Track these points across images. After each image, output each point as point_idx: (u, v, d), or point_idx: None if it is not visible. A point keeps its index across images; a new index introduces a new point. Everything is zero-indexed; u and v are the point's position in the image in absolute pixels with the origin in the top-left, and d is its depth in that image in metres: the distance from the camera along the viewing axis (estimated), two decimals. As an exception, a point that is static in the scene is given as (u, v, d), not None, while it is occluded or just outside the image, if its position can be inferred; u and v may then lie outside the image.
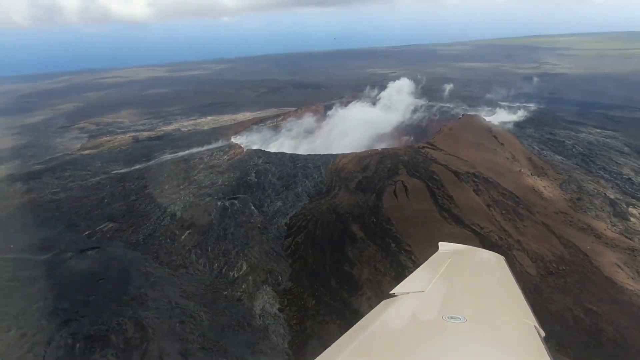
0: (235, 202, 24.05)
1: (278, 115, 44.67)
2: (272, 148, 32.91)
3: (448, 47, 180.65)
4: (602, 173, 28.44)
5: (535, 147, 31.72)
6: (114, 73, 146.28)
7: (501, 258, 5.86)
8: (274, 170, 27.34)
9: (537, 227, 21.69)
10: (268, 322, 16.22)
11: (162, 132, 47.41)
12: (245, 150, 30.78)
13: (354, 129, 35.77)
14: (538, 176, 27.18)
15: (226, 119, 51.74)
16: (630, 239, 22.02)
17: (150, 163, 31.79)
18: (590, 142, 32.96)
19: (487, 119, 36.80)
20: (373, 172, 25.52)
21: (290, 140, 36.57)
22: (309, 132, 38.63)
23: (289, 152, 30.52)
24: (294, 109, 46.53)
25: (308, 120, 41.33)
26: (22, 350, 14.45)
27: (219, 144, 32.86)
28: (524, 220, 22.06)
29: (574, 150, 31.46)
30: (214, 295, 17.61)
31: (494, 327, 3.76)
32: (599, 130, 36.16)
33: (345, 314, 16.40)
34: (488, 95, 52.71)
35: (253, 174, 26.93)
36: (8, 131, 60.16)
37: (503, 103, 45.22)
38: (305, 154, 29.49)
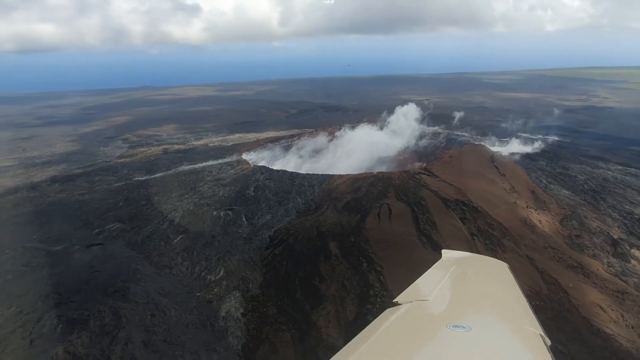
0: (230, 212, 25.81)
1: (294, 135, 46.77)
2: (277, 165, 34.67)
3: (495, 76, 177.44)
4: (611, 211, 27.12)
5: (543, 180, 30.86)
6: (168, 91, 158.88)
7: (505, 265, 5.84)
8: (271, 186, 28.97)
9: (520, 260, 21.29)
10: (229, 324, 17.37)
11: (191, 146, 51.17)
12: (251, 166, 32.84)
13: (358, 150, 36.75)
14: (537, 210, 26.51)
15: (251, 137, 54.79)
16: (624, 281, 20.99)
17: (167, 173, 34.72)
18: (605, 178, 31.47)
19: (498, 149, 36.28)
20: (363, 194, 26.30)
21: (297, 158, 38.21)
22: (317, 151, 40.06)
23: (291, 170, 32.12)
24: (311, 130, 48.52)
25: (319, 140, 42.90)
26: (15, 325, 16.67)
27: (230, 159, 35.26)
28: (506, 252, 21.74)
29: (585, 186, 30.23)
30: (188, 295, 19.12)
31: (499, 336, 3.72)
32: (620, 167, 34.37)
33: (301, 325, 17.18)
34: (511, 125, 51.63)
35: (252, 188, 28.72)
36: (66, 138, 67.63)
37: (523, 134, 44.18)
38: (304, 172, 30.92)
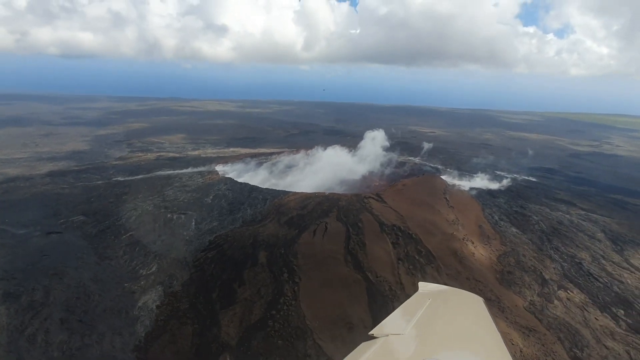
0: (182, 216, 27.82)
1: (276, 152, 48.98)
2: (245, 178, 36.65)
3: (513, 116, 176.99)
4: (552, 252, 27.49)
5: (496, 216, 31.49)
6: (191, 103, 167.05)
7: (480, 299, 5.90)
8: (229, 196, 30.92)
9: (437, 287, 22.06)
10: (142, 314, 19.00)
11: (184, 155, 54.16)
12: (219, 176, 34.99)
13: (323, 170, 38.28)
14: (476, 243, 27.22)
15: (243, 152, 57.46)
16: (538, 319, 21.46)
17: (145, 176, 37.35)
18: (560, 221, 31.77)
19: (462, 182, 37.11)
20: (308, 211, 27.80)
21: (268, 173, 40.11)
22: (289, 168, 41.85)
23: (256, 183, 34.03)
24: (293, 149, 50.68)
25: (293, 158, 44.79)
26: (-44, 292, 18.89)
27: (205, 168, 37.59)
28: (426, 277, 22.60)
29: (536, 226, 30.65)
30: (116, 284, 20.94)
31: None
32: (583, 212, 34.51)
33: (205, 322, 18.62)
34: (490, 162, 52.29)
35: (211, 197, 30.75)
36: (80, 138, 72.63)
37: (498, 172, 44.76)
38: (265, 187, 32.74)
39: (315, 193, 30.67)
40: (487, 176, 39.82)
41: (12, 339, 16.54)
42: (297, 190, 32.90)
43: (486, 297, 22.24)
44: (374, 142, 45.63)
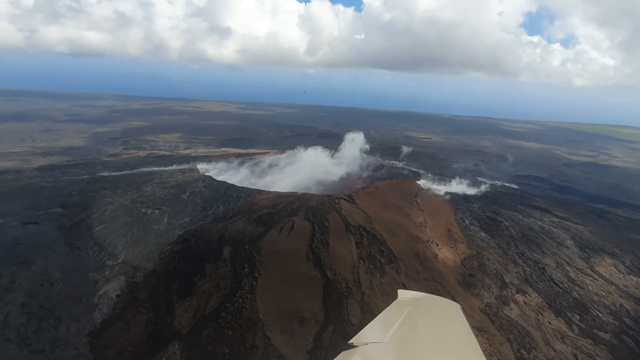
0: (156, 211, 28.61)
1: (261, 153, 49.79)
2: (224, 176, 37.41)
3: (515, 124, 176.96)
4: (517, 257, 27.92)
5: (467, 220, 31.97)
6: (194, 103, 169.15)
7: (458, 306, 6.08)
8: (205, 193, 31.70)
9: (393, 285, 22.61)
10: (101, 302, 19.75)
11: (174, 154, 55.18)
12: (199, 174, 35.82)
13: (301, 170, 38.93)
14: (442, 246, 27.73)
15: (234, 151, 58.39)
16: (492, 321, 21.92)
17: (129, 172, 38.28)
18: (531, 227, 32.17)
19: (439, 187, 37.61)
20: (278, 210, 28.47)
21: (249, 172, 40.82)
22: (270, 168, 42.55)
23: (235, 182, 34.79)
24: (277, 150, 51.56)
25: (275, 158, 45.53)
26: None
27: (187, 166, 38.44)
28: (384, 277, 23.16)
29: (505, 231, 31.09)
30: (81, 274, 21.72)
31: None
32: (557, 220, 34.86)
33: (160, 312, 19.32)
34: (472, 167, 52.83)
35: (187, 193, 31.56)
36: (79, 135, 74.12)
37: (479, 177, 45.26)
38: (241, 185, 33.47)
39: (287, 192, 31.35)
40: (467, 181, 40.26)
41: (-29, 320, 17.35)
42: (273, 190, 33.59)
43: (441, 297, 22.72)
44: (354, 144, 46.27)
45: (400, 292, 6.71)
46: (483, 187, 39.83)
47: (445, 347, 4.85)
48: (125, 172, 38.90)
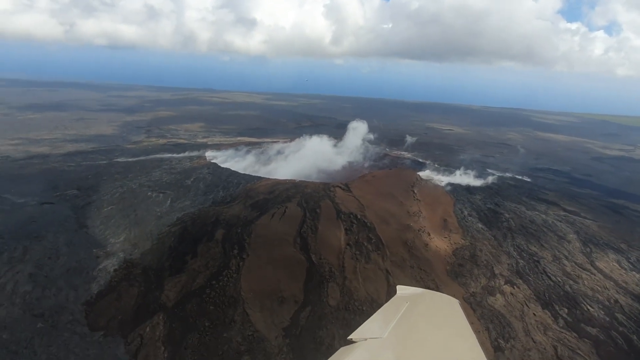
0: (161, 194, 30.33)
1: (271, 142, 50.87)
2: (230, 163, 38.70)
3: (547, 116, 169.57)
4: (512, 249, 27.56)
5: (465, 212, 31.70)
6: (221, 94, 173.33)
7: (456, 302, 6.11)
8: (208, 179, 33.15)
9: (376, 271, 23.14)
10: (99, 275, 21.51)
11: (191, 142, 57.32)
12: (206, 161, 37.35)
13: (304, 158, 39.55)
14: (435, 235, 27.79)
15: (247, 140, 59.95)
16: (473, 310, 22.04)
17: (143, 158, 40.45)
18: (533, 220, 31.47)
19: (442, 178, 37.27)
20: (274, 196, 29.43)
21: (255, 160, 41.90)
22: (276, 155, 43.41)
23: (239, 168, 36.05)
24: (288, 138, 52.46)
25: (283, 146, 46.34)
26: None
27: (197, 153, 40.10)
28: (369, 263, 23.68)
29: (504, 223, 30.61)
30: (86, 249, 23.63)
31: None
32: (563, 214, 33.84)
33: (151, 286, 20.85)
34: (485, 160, 51.54)
35: (192, 179, 33.13)
36: (110, 123, 78.26)
37: (491, 170, 44.32)
38: (244, 172, 34.67)
39: (285, 180, 32.23)
40: (474, 173, 39.60)
41: (-16, 285, 19.51)
42: (275, 177, 34.59)
43: (426, 285, 23.06)
44: (356, 133, 46.33)
45: (399, 287, 6.86)
46: (490, 179, 39.07)
47: (444, 342, 4.91)
48: (140, 158, 41.13)
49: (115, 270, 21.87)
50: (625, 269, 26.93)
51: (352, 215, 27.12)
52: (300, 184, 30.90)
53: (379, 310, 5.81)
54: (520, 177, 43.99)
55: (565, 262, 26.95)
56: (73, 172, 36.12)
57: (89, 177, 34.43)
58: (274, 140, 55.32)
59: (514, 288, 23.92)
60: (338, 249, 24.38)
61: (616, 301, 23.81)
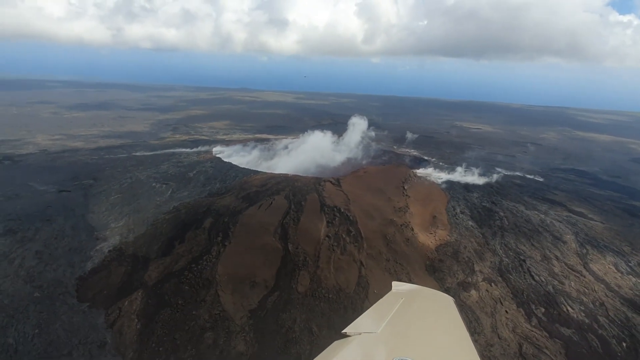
0: (164, 185, 32.67)
1: (281, 138, 52.43)
2: (234, 158, 40.53)
3: (594, 115, 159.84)
4: (499, 248, 27.16)
5: (458, 209, 31.43)
6: (254, 94, 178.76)
7: (450, 299, 6.22)
8: (208, 172, 35.14)
9: (350, 263, 23.85)
10: (95, 255, 23.86)
11: (212, 139, 60.24)
12: (211, 156, 39.47)
13: (304, 153, 40.47)
14: (419, 231, 27.97)
15: (262, 137, 62.07)
16: (442, 305, 22.16)
17: (158, 152, 43.39)
18: (529, 220, 30.61)
19: (439, 174, 36.90)
20: (265, 189, 30.78)
21: (258, 155, 43.45)
22: (281, 151, 44.67)
23: (241, 163, 37.81)
24: (296, 135, 53.85)
25: (289, 142, 47.53)
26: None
27: (203, 148, 42.38)
28: (344, 254, 24.43)
29: (497, 222, 30.05)
30: (88, 232, 26.19)
31: None
32: (566, 214, 32.58)
33: (137, 266, 22.86)
34: (495, 158, 49.99)
35: (195, 172, 35.29)
36: (144, 121, 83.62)
37: (499, 169, 43.14)
38: (243, 167, 36.33)
39: (279, 174, 33.51)
40: (478, 171, 38.86)
41: (-2, 259, 22.43)
42: (276, 171, 36.01)
43: (398, 278, 23.48)
44: (359, 131, 46.59)
45: (395, 284, 6.88)
46: (495, 177, 38.16)
47: (437, 338, 4.98)
48: (156, 152, 44.15)
49: (109, 251, 24.16)
50: (621, 272, 25.74)
51: (335, 209, 27.90)
52: (293, 178, 32.06)
53: (374, 305, 5.90)
54: (531, 177, 42.44)
55: (555, 262, 26.18)
56: (94, 164, 39.54)
57: (106, 169, 37.60)
58: (287, 137, 56.89)
59: (490, 285, 23.70)
60: (316, 240, 25.28)
61: (602, 304, 22.96)
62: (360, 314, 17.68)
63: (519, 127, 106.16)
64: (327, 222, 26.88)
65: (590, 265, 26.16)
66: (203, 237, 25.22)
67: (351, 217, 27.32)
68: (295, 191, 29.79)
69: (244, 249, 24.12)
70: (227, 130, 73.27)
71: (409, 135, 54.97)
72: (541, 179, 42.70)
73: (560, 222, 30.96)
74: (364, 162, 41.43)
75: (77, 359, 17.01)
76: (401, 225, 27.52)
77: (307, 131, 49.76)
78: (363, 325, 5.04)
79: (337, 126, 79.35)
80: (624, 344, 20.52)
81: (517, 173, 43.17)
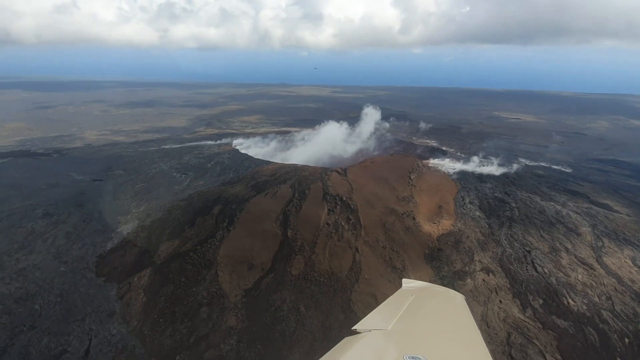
0: (183, 175, 35.06)
1: (298, 130, 53.58)
2: (252, 150, 42.21)
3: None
4: (503, 238, 26.55)
5: (467, 199, 30.90)
6: (291, 88, 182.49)
7: (462, 297, 6.22)
8: (225, 163, 37.09)
9: (346, 249, 24.58)
10: (115, 236, 26.42)
11: (237, 132, 62.83)
12: (230, 147, 41.48)
13: (318, 144, 41.10)
14: (421, 220, 28.00)
15: (284, 130, 63.73)
16: (434, 292, 22.36)
17: (185, 145, 46.29)
18: (542, 211, 29.40)
19: (453, 165, 36.12)
20: (274, 178, 32.07)
21: (275, 147, 44.76)
22: (298, 142, 45.67)
23: (259, 155, 39.47)
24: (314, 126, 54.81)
25: (306, 133, 48.36)
26: (23, 205, 29.21)
27: (225, 140, 44.56)
28: (341, 241, 25.19)
29: (507, 213, 29.22)
30: (112, 216, 28.94)
31: None
32: (587, 206, 30.86)
33: (149, 247, 25.09)
34: (523, 149, 47.57)
35: (212, 162, 37.43)
36: (183, 117, 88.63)
37: (522, 159, 41.34)
38: (258, 158, 37.91)
39: (288, 164, 34.66)
40: (497, 161, 37.63)
41: (34, 238, 25.60)
42: (290, 162, 37.28)
43: (393, 266, 23.89)
44: (372, 120, 46.31)
45: (405, 281, 6.89)
46: (515, 167, 36.77)
47: (448, 335, 4.95)
48: (183, 145, 47.12)
49: (127, 233, 26.66)
50: (638, 267, 24.27)
51: (337, 197, 28.59)
52: (301, 168, 33.10)
53: (384, 302, 5.92)
54: (557, 167, 40.26)
55: (564, 254, 25.18)
56: (126, 157, 43.08)
57: (136, 161, 40.88)
58: (306, 129, 57.98)
59: (488, 275, 23.38)
60: (316, 227, 26.20)
61: (609, 298, 21.95)
62: (348, 297, 18.50)
63: (565, 117, 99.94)
64: (329, 210, 27.66)
65: (604, 258, 24.87)
66: (211, 223, 27.01)
67: (352, 206, 27.89)
68: (301, 180, 30.82)
69: (246, 234, 25.58)
70: (256, 124, 75.74)
71: (423, 125, 53.84)
72: (568, 170, 40.38)
73: (578, 214, 29.45)
74: (375, 153, 41.56)
75: (88, 325, 19.28)
76: (402, 214, 27.65)
77: (323, 122, 50.43)
78: (373, 322, 5.04)
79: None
80: (627, 340, 19.58)
81: (542, 164, 41.15)
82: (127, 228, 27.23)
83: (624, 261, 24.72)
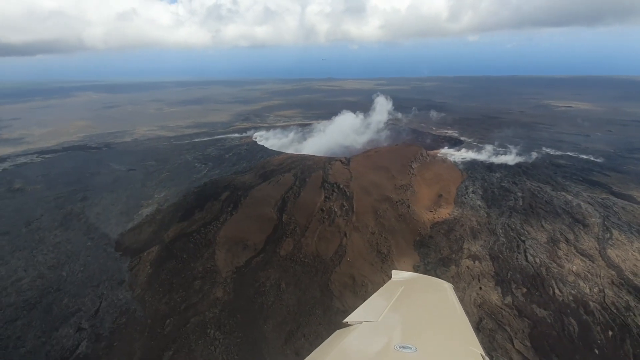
0: (203, 165, 38.18)
1: (318, 122, 54.91)
2: (270, 141, 44.32)
3: None
4: (499, 228, 26.09)
5: (470, 189, 30.45)
6: (336, 83, 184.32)
7: (450, 286, 6.41)
8: (242, 154, 39.60)
9: (334, 234, 25.79)
10: (136, 218, 29.92)
11: (268, 125, 65.73)
12: (249, 139, 43.99)
13: (330, 134, 41.87)
14: (418, 208, 28.29)
15: (314, 122, 65.36)
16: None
17: (214, 138, 49.81)
18: (550, 201, 28.18)
19: (464, 154, 35.26)
20: (281, 167, 33.87)
21: (291, 138, 46.32)
22: (315, 133, 46.81)
23: (275, 146, 41.56)
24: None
25: (323, 124, 49.32)
26: (67, 190, 33.93)
27: (248, 133, 47.22)
28: (331, 226, 26.44)
29: (510, 202, 28.43)
30: (136, 200, 32.63)
31: (443, 356, 4.04)
32: (604, 197, 29.00)
33: (162, 227, 28.16)
34: (558, 138, 44.57)
35: (230, 153, 40.15)
36: (226, 112, 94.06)
37: (546, 149, 39.16)
38: (271, 149, 39.96)
39: (296, 154, 36.22)
40: (516, 150, 36.26)
41: (71, 217, 29.87)
42: (302, 152, 38.99)
43: (379, 250, 24.74)
44: (384, 110, 45.96)
45: (394, 272, 7.01)
46: (534, 156, 35.20)
47: (437, 325, 5.02)
48: (210, 138, 50.69)
49: (147, 215, 30.04)
50: (645, 260, 22.77)
51: (335, 185, 29.73)
52: (308, 157, 34.56)
53: (374, 294, 6.01)
54: (585, 157, 37.64)
55: (562, 245, 24.27)
56: (160, 149, 47.45)
57: (168, 152, 44.97)
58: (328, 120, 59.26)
59: (474, 263, 23.33)
60: (310, 212, 27.62)
61: (601, 290, 21.06)
62: (328, 277, 20.00)
63: (626, 104, 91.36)
64: (325, 197, 28.91)
65: (608, 250, 23.61)
66: (217, 207, 29.51)
67: (348, 193, 28.88)
68: (304, 169, 32.33)
69: (245, 217, 27.70)
70: (288, 118, 78.27)
71: (433, 113, 52.33)
72: (599, 160, 37.57)
73: (591, 204, 27.85)
74: (386, 143, 41.70)
75: (101, 290, 22.53)
76: (397, 202, 28.12)
77: (338, 113, 51.29)
78: (364, 314, 5.12)
79: (402, 110, 78.48)
80: (610, 332, 18.86)
81: (569, 153, 38.69)
82: (147, 211, 30.63)
83: (631, 254, 23.28)
